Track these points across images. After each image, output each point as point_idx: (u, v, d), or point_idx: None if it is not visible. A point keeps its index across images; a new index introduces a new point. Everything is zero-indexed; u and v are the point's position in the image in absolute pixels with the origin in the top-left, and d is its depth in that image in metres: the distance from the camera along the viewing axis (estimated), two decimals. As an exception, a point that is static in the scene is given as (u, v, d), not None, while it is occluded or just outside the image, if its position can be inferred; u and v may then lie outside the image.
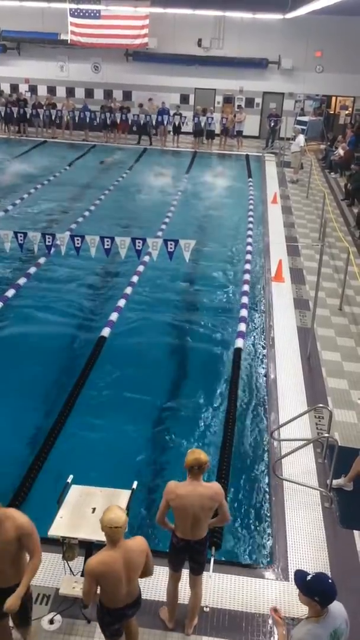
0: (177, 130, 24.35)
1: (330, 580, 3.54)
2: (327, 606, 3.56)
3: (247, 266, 12.66)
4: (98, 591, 4.07)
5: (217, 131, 24.20)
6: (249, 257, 13.17)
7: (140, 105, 24.99)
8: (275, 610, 3.86)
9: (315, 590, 3.50)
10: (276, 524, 6.06)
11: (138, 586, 4.22)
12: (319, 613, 3.56)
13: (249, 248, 13.70)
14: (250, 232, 14.82)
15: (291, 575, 5.45)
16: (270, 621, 5.03)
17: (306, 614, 3.66)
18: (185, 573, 4.93)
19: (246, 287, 11.58)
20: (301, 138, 20.26)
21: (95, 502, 5.05)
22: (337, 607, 3.64)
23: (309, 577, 3.54)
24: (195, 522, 4.56)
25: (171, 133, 24.58)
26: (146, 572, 4.18)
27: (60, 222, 15.06)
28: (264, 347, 9.62)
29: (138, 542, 4.07)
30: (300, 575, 3.59)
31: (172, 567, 4.85)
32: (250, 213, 16.45)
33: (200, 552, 4.74)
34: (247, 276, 12.12)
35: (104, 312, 10.51)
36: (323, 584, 3.52)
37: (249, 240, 14.25)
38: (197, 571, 4.86)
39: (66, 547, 4.86)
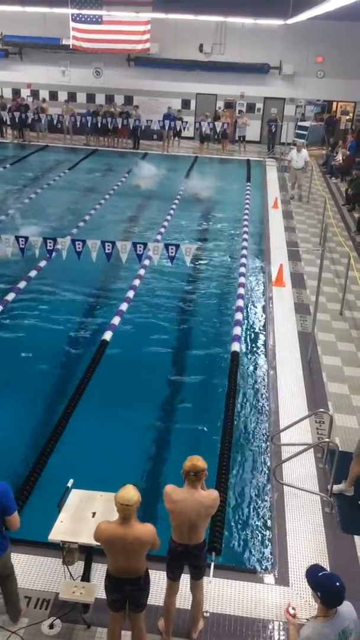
0: (177, 134, 24.41)
1: (338, 583, 3.60)
2: (336, 607, 3.64)
3: (242, 269, 12.70)
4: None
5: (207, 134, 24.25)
6: (244, 260, 13.20)
7: (136, 108, 25.03)
8: (292, 610, 3.98)
9: (321, 586, 3.61)
10: (277, 529, 6.05)
11: (142, 567, 4.33)
12: (326, 612, 3.64)
13: (244, 252, 13.73)
14: (245, 236, 14.83)
15: (291, 580, 5.46)
16: (270, 626, 5.02)
17: (311, 616, 3.71)
18: (184, 581, 4.90)
19: (242, 290, 11.60)
20: (305, 153, 18.56)
21: (95, 506, 5.05)
22: (346, 608, 3.72)
23: (320, 574, 3.66)
24: (191, 527, 4.56)
25: (173, 137, 24.65)
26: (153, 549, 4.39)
27: (62, 224, 15.10)
28: (264, 352, 9.62)
29: (147, 531, 4.25)
30: (314, 570, 3.73)
31: (171, 574, 4.81)
32: (246, 217, 16.45)
33: (198, 556, 4.73)
34: (242, 279, 12.15)
35: (105, 316, 10.52)
36: (330, 583, 3.61)
37: (244, 244, 14.27)
38: (196, 576, 4.85)
39: (66, 551, 4.85)
